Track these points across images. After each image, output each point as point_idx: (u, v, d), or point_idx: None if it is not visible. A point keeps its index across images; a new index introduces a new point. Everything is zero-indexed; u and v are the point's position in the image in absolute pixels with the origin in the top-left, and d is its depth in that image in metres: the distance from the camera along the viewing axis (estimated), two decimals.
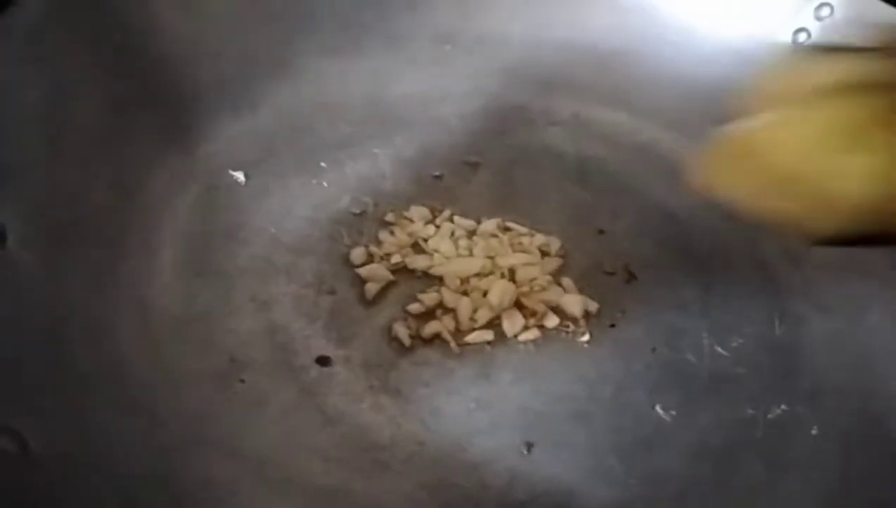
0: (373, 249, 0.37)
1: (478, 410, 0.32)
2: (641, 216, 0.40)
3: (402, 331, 0.34)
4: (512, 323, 0.34)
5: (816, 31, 0.43)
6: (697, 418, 0.33)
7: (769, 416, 0.33)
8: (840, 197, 0.25)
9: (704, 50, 0.46)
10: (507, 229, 0.38)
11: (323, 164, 0.40)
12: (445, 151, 0.42)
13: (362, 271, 0.36)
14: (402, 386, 0.32)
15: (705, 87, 0.45)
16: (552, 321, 0.35)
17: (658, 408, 0.33)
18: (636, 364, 0.34)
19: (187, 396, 0.30)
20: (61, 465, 0.26)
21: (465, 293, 0.35)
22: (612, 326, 0.35)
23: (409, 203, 0.39)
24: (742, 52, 0.45)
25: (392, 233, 0.38)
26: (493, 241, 0.37)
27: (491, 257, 0.36)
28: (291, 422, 0.31)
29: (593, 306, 0.36)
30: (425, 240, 0.37)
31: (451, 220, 0.38)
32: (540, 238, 0.38)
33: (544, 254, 0.38)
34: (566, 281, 0.36)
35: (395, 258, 0.36)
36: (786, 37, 0.44)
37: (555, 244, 0.38)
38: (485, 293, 0.35)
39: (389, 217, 0.38)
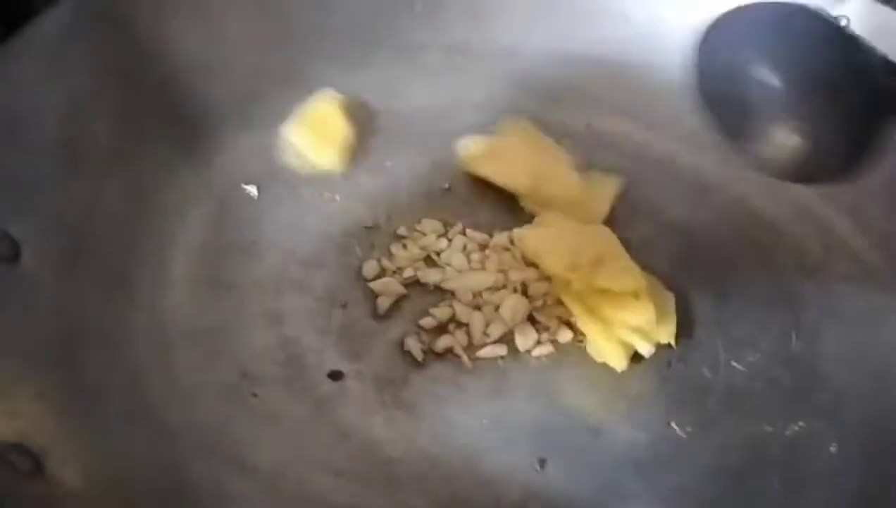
0: (385, 262, 0.37)
1: (491, 425, 0.32)
2: (654, 229, 0.40)
3: (414, 345, 0.34)
4: (525, 338, 0.34)
5: None
6: (713, 435, 0.32)
7: (787, 433, 0.32)
8: None
9: None
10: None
11: (336, 178, 0.40)
12: (458, 164, 0.42)
13: (374, 285, 0.36)
14: (415, 401, 0.32)
15: None
16: (566, 335, 0.35)
17: (673, 424, 0.32)
18: (651, 380, 0.34)
19: (200, 409, 0.30)
20: (75, 480, 0.26)
21: (478, 308, 0.35)
22: None
23: (421, 216, 0.39)
24: None
25: (404, 246, 0.38)
26: (506, 255, 0.37)
27: (503, 271, 0.36)
28: (304, 437, 0.31)
29: None
30: (437, 254, 0.37)
31: (463, 233, 0.38)
32: None
33: None
34: None
35: (408, 272, 0.36)
36: None
37: None
38: (497, 308, 0.35)
39: (402, 230, 0.38)
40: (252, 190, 0.39)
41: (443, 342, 0.34)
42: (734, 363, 0.35)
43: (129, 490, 0.27)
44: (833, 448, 0.32)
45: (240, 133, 0.40)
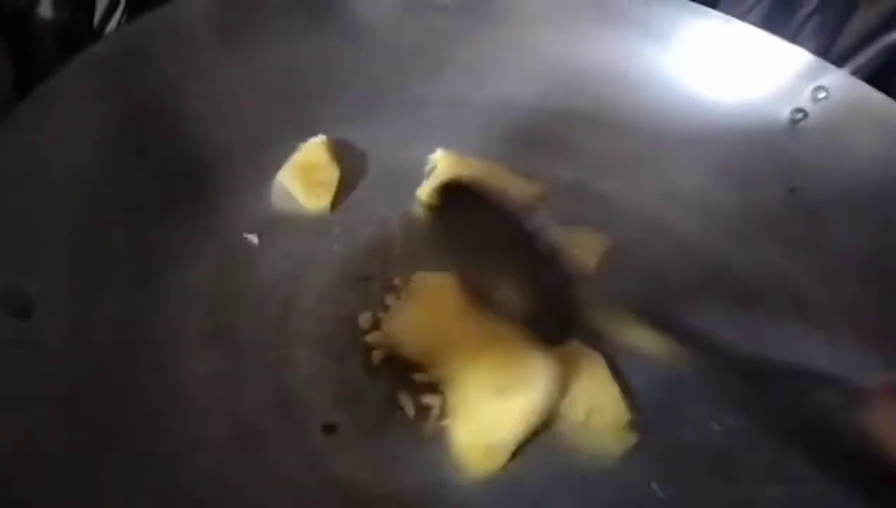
0: (380, 314, 0.38)
1: (480, 484, 0.33)
2: (640, 286, 0.41)
3: (406, 401, 0.35)
4: None
5: (814, 112, 0.45)
6: (694, 496, 0.33)
7: (768, 494, 0.33)
8: None
9: (706, 123, 0.48)
10: None
11: (335, 227, 0.41)
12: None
13: (369, 338, 0.37)
14: (407, 455, 0.33)
15: (704, 157, 0.47)
16: None
17: (654, 486, 0.34)
18: (632, 440, 0.35)
19: (197, 463, 0.31)
20: None
21: None
22: None
23: (415, 267, 0.40)
24: (742, 126, 0.47)
25: (398, 298, 0.39)
26: None
27: None
28: (301, 492, 0.31)
29: None
30: None
31: None
32: None
33: None
34: None
35: None
36: (783, 115, 0.46)
37: None
38: None
39: (396, 281, 0.39)
40: (253, 238, 0.40)
41: (433, 399, 0.35)
42: (714, 425, 0.36)
43: None
44: None
45: (245, 183, 0.41)
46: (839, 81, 0.44)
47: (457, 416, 0.34)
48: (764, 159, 0.46)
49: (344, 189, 0.43)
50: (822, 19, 0.52)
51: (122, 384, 0.32)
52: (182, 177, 0.39)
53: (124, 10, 0.49)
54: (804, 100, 0.45)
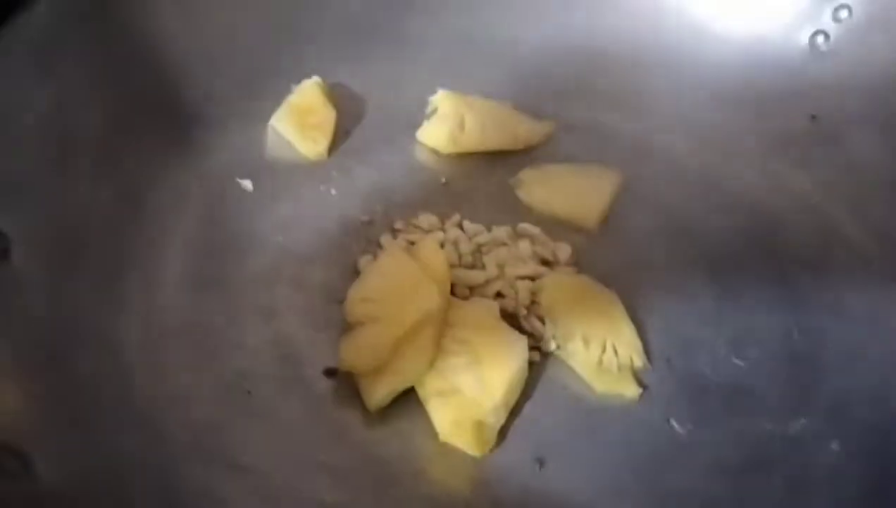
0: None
1: None
2: (654, 223, 0.39)
3: None
4: None
5: (835, 33, 0.43)
6: (713, 432, 0.32)
7: (788, 430, 0.32)
8: None
9: (719, 53, 0.45)
10: (517, 237, 0.38)
11: (332, 171, 0.40)
12: (454, 158, 0.41)
13: None
14: (411, 399, 0.32)
15: (718, 89, 0.45)
16: (549, 345, 0.34)
17: (673, 422, 0.32)
18: (650, 376, 0.33)
19: (192, 409, 0.30)
20: (62, 481, 0.25)
21: None
22: None
23: (417, 211, 0.38)
24: (759, 55, 0.44)
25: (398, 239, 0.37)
26: (503, 250, 0.36)
27: (500, 267, 0.36)
28: (298, 436, 0.30)
29: None
30: None
31: (460, 226, 0.38)
32: (551, 246, 0.37)
33: (555, 263, 0.37)
34: None
35: None
36: (803, 39, 0.44)
37: (566, 252, 0.37)
38: (497, 294, 0.35)
39: (398, 225, 0.38)
40: (247, 184, 0.38)
41: None
42: (735, 360, 0.34)
43: (117, 491, 0.26)
44: (835, 446, 0.31)
45: (235, 126, 0.40)
46: None
47: (435, 398, 0.31)
48: (784, 88, 0.44)
49: (341, 134, 0.41)
50: None
51: (108, 331, 0.30)
52: (169, 121, 0.38)
53: None
54: (825, 21, 0.43)
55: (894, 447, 0.31)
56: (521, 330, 0.33)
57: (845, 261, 0.38)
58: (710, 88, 0.45)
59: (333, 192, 0.39)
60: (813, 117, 0.43)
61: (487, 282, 0.35)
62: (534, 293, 0.35)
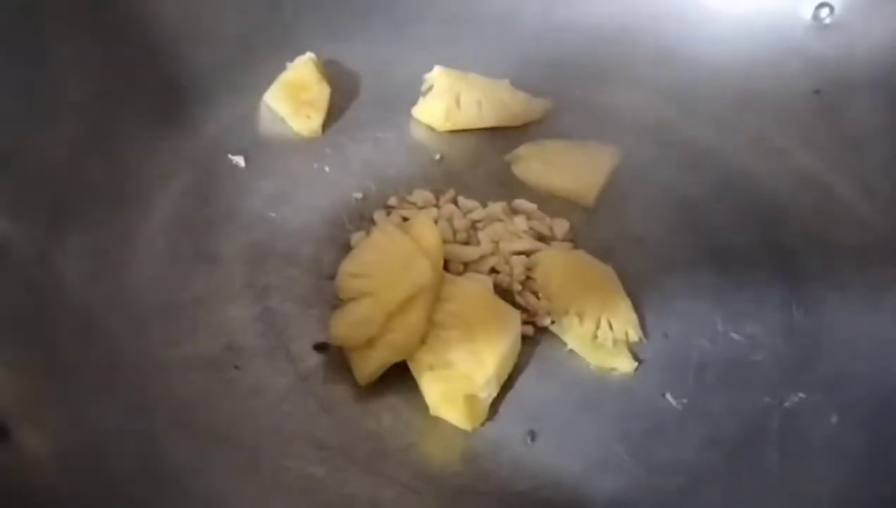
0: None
1: None
2: (653, 200, 0.39)
3: None
4: None
5: (840, 5, 0.42)
6: (710, 406, 0.31)
7: (786, 404, 0.31)
8: None
9: (721, 28, 0.44)
10: (513, 213, 0.37)
11: (326, 148, 0.39)
12: (450, 135, 0.41)
13: None
14: (401, 374, 0.31)
15: (717, 65, 0.44)
16: (544, 320, 0.33)
17: (668, 396, 0.31)
18: (646, 350, 0.33)
19: (178, 383, 0.30)
20: (43, 449, 0.25)
21: None
22: None
23: (412, 187, 0.38)
24: (759, 30, 0.44)
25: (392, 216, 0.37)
26: (498, 225, 0.36)
27: (495, 242, 0.35)
28: (287, 410, 0.30)
29: None
30: None
31: (454, 202, 0.37)
32: (547, 221, 0.37)
33: (552, 238, 0.36)
34: None
35: None
36: (807, 12, 0.43)
37: (563, 227, 0.37)
38: (491, 269, 0.34)
39: (392, 201, 0.37)
40: (239, 160, 0.38)
41: None
42: (733, 334, 0.34)
43: (100, 461, 0.26)
44: (834, 419, 0.30)
45: (227, 101, 0.39)
46: None
47: (428, 373, 0.30)
48: (787, 62, 0.43)
49: (335, 111, 0.41)
50: None
51: (94, 303, 0.30)
52: (160, 97, 0.38)
53: None
54: None
55: (892, 419, 0.30)
56: (516, 305, 0.33)
57: (847, 236, 0.37)
58: (710, 64, 0.44)
59: (327, 169, 0.39)
60: (816, 92, 0.42)
61: (482, 258, 0.35)
62: (529, 269, 0.34)
